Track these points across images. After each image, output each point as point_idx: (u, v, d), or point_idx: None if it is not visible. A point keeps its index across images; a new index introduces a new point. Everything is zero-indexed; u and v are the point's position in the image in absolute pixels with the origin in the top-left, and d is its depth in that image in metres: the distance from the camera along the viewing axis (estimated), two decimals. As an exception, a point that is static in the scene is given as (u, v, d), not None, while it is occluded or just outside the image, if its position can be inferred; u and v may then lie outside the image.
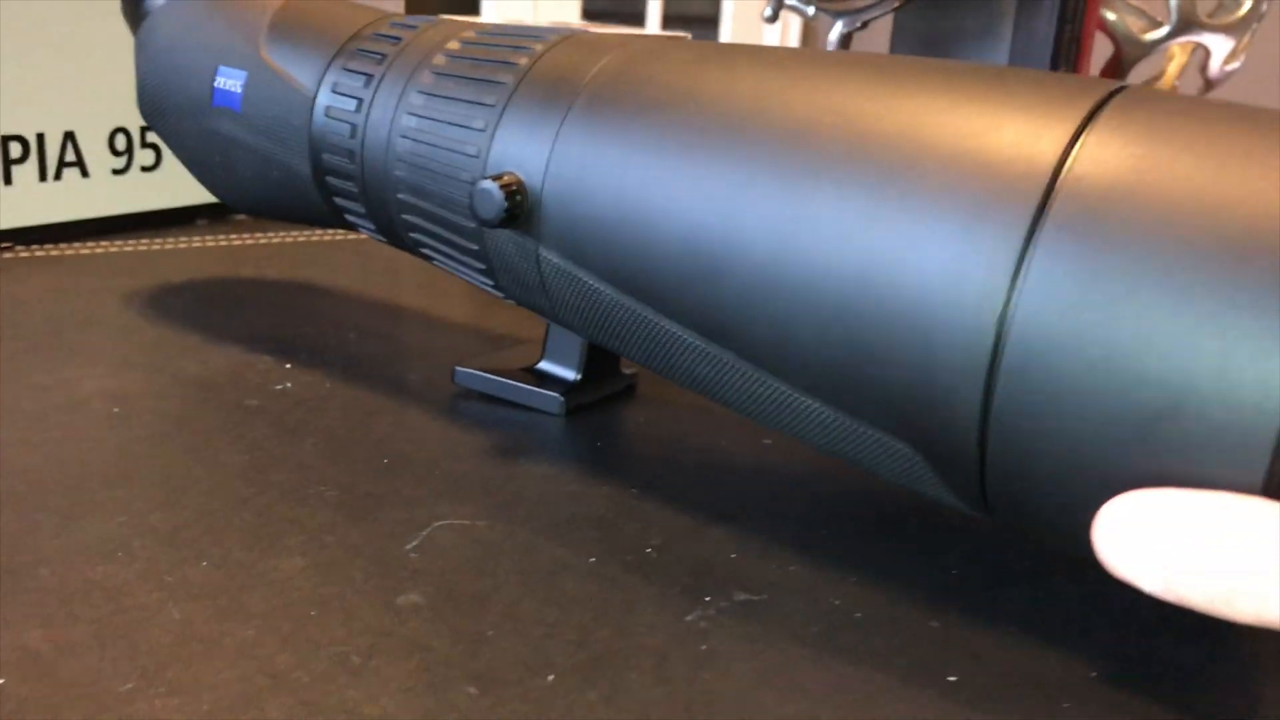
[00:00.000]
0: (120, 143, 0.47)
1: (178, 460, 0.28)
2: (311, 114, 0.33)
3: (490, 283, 0.31)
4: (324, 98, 0.33)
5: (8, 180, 0.44)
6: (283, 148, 0.34)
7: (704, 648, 0.22)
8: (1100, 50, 0.78)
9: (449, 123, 0.30)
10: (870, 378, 0.24)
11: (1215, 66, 0.81)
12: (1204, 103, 0.23)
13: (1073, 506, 0.22)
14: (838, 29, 0.74)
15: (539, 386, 0.33)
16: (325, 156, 0.33)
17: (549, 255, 0.29)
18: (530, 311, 0.32)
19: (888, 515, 0.28)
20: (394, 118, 0.31)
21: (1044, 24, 0.73)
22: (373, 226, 0.34)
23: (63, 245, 0.46)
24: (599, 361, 0.33)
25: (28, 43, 0.43)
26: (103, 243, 0.46)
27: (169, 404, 0.31)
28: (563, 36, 0.31)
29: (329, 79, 0.33)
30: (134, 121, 0.48)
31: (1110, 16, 0.80)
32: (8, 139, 0.44)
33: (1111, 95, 0.23)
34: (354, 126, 0.32)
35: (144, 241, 0.47)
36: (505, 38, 0.31)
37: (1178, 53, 0.81)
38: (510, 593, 0.23)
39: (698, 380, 0.28)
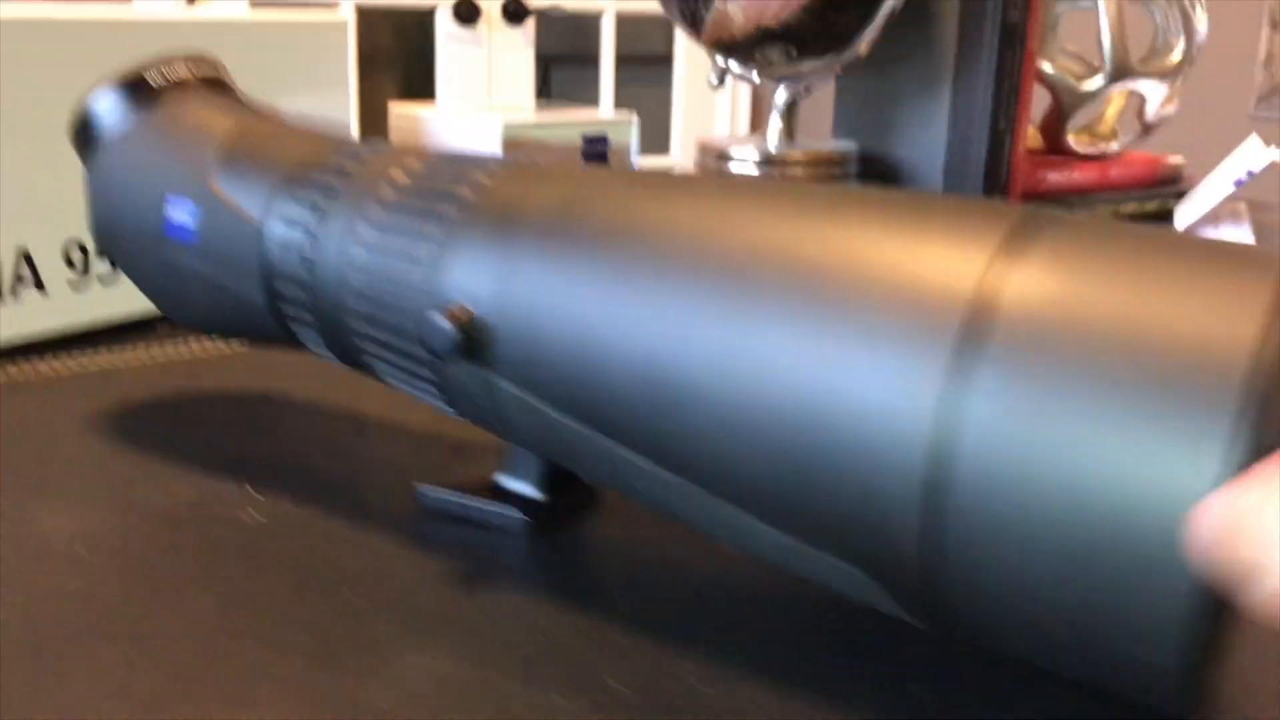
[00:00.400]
0: (76, 255, 0.48)
1: (147, 607, 0.28)
2: (261, 244, 0.34)
3: (448, 407, 0.32)
4: (273, 228, 0.33)
5: (-37, 303, 0.44)
6: (235, 277, 0.34)
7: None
8: (1038, 100, 0.79)
9: (397, 255, 0.31)
10: (816, 506, 0.24)
11: (1151, 112, 0.83)
12: (1111, 225, 0.24)
13: (1016, 623, 0.23)
14: (782, 94, 0.76)
15: (501, 502, 0.33)
16: (277, 284, 0.34)
17: (503, 384, 0.29)
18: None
19: (861, 631, 0.28)
20: (344, 249, 0.32)
21: (982, 81, 0.74)
22: (328, 352, 0.34)
23: (23, 364, 0.46)
24: (561, 473, 0.34)
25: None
26: (61, 360, 0.47)
27: (134, 543, 0.31)
28: (504, 167, 0.31)
29: (276, 209, 0.34)
30: (87, 234, 0.48)
31: (1048, 68, 0.82)
32: (-39, 263, 0.44)
33: (1024, 222, 0.24)
34: (305, 258, 0.33)
35: (103, 354, 0.47)
36: (447, 168, 0.32)
37: (1115, 98, 0.83)
38: (479, 741, 0.23)
39: (656, 502, 0.28)
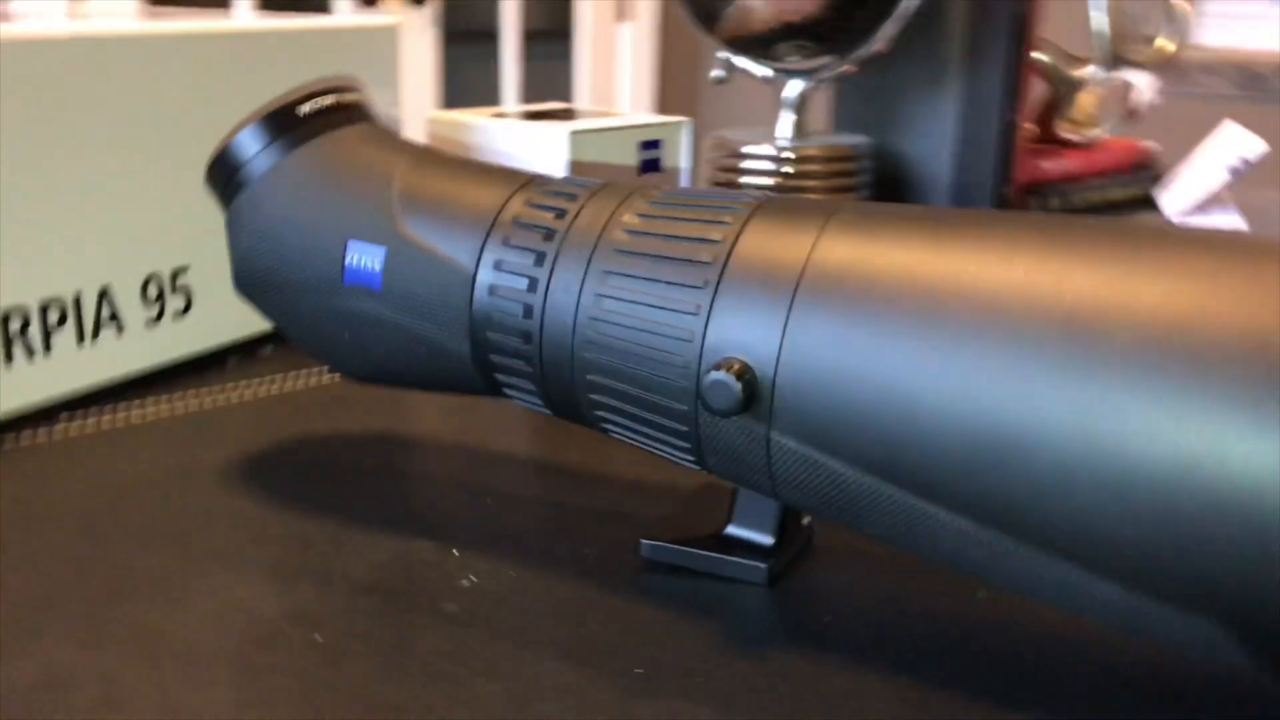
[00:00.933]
0: (153, 291, 0.44)
1: (413, 694, 0.26)
2: (472, 292, 0.31)
3: (694, 461, 0.30)
4: (486, 275, 0.31)
5: (47, 348, 0.41)
6: (435, 325, 0.32)
7: None
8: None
9: (652, 305, 0.29)
10: (1188, 564, 0.24)
11: (1137, 100, 0.85)
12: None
13: None
14: (795, 89, 0.75)
15: (733, 554, 0.32)
16: (491, 335, 0.31)
17: (783, 440, 0.28)
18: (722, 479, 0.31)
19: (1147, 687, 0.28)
20: (579, 299, 0.30)
21: (995, 72, 0.75)
22: (540, 402, 0.32)
23: (110, 411, 0.42)
24: (787, 521, 0.33)
25: (43, 200, 0.40)
26: (149, 403, 0.43)
27: (362, 620, 0.29)
28: (753, 205, 0.30)
29: (489, 256, 0.31)
30: (165, 265, 0.45)
31: (1043, 59, 0.83)
32: (45, 305, 0.40)
33: None
34: (528, 306, 0.31)
35: (193, 395, 0.44)
36: (690, 209, 0.30)
37: (1094, 88, 0.85)
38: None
39: (959, 560, 0.27)
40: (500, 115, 0.56)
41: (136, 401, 0.43)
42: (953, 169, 0.78)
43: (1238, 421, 0.23)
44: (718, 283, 0.29)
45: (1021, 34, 0.74)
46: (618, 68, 2.57)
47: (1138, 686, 0.28)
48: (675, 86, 2.71)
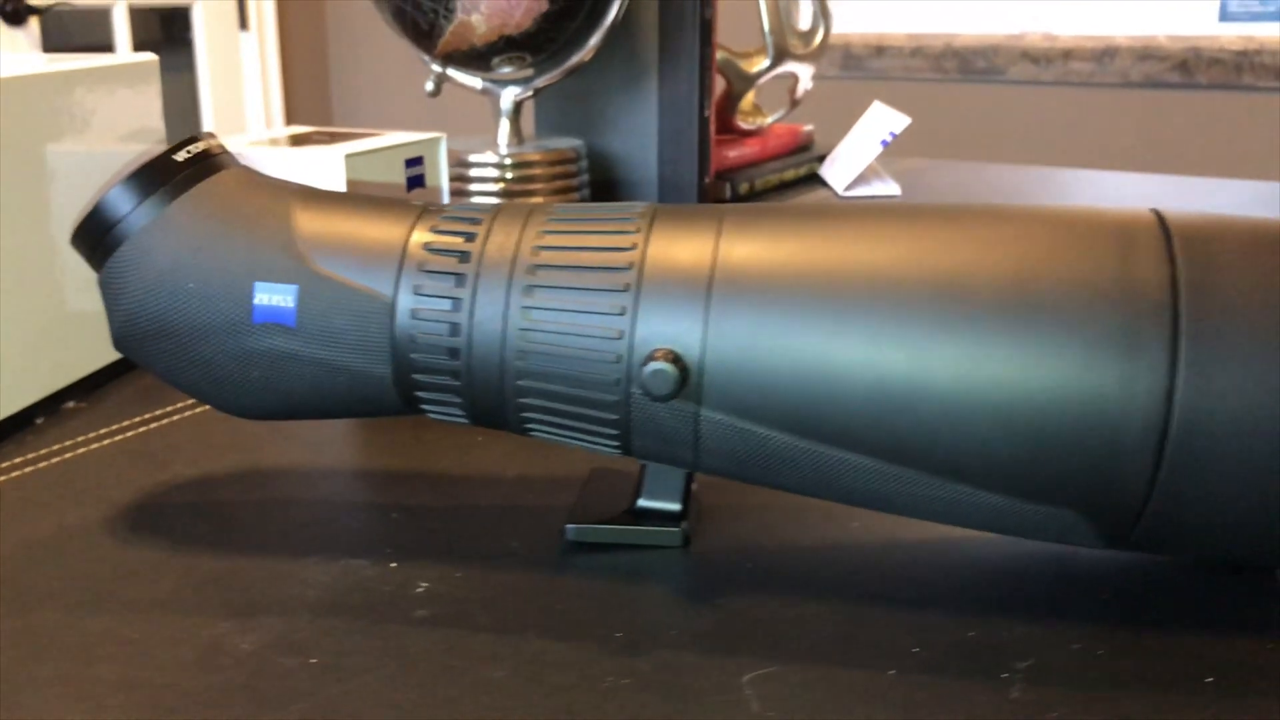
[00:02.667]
0: (-40, 357, 0.42)
1: (430, 692, 0.28)
2: (393, 318, 0.34)
3: (617, 447, 0.34)
4: (406, 301, 0.33)
5: None
6: (354, 354, 0.34)
7: None
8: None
9: (579, 311, 0.33)
10: (1056, 470, 0.31)
11: (801, 89, 0.96)
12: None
13: (1224, 530, 0.30)
14: (510, 98, 0.79)
15: (648, 523, 0.36)
16: (415, 356, 0.34)
17: (711, 414, 0.32)
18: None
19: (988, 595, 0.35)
20: (506, 312, 0.33)
21: (687, 73, 0.82)
22: (462, 414, 0.35)
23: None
24: (689, 489, 0.37)
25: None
26: (-20, 473, 0.41)
27: (343, 639, 0.31)
28: (646, 214, 0.34)
29: (407, 282, 0.34)
30: (-31, 330, 0.42)
31: (719, 56, 0.92)
32: None
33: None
34: (454, 325, 0.33)
35: (19, 458, 0.42)
36: (590, 223, 0.34)
37: (764, 81, 0.94)
38: None
39: (863, 495, 0.33)
40: (265, 144, 0.56)
41: (-37, 473, 0.41)
42: (658, 164, 0.84)
43: (1085, 352, 0.30)
44: (638, 285, 0.32)
45: (707, 37, 0.82)
46: (245, 81, 2.48)
47: (1001, 568, 0.34)
48: (302, 95, 2.65)
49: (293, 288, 0.34)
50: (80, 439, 0.44)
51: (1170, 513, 0.30)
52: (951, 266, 0.31)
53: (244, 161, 0.56)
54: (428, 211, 0.35)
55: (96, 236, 0.35)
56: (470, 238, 0.34)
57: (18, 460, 0.42)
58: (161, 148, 0.35)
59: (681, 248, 0.33)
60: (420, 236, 0.34)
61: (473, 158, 0.78)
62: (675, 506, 0.36)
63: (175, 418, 0.46)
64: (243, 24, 2.49)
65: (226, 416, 0.46)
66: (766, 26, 0.90)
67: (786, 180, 0.98)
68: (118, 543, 0.36)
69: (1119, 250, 0.31)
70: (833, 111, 1.54)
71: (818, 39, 0.93)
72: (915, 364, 0.31)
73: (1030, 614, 0.32)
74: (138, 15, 2.40)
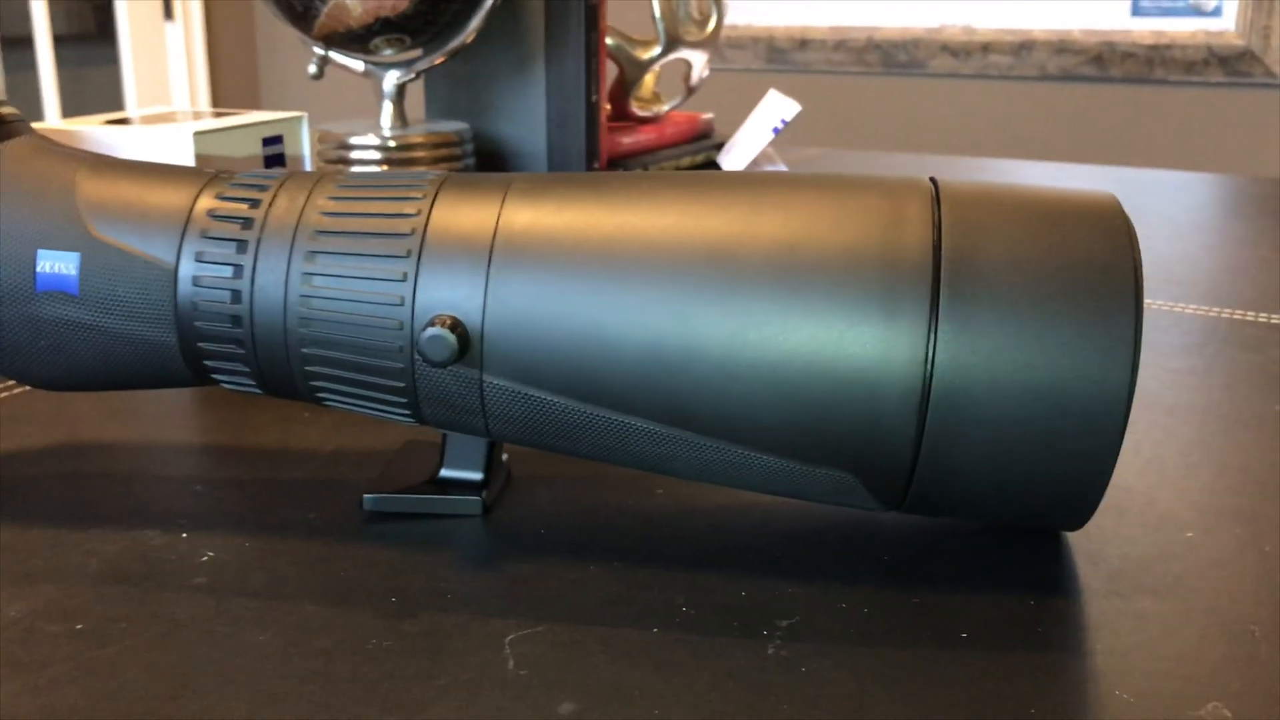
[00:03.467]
0: None
1: (190, 655, 0.28)
2: (175, 285, 0.33)
3: (409, 415, 0.34)
4: (188, 268, 0.33)
5: None
6: (139, 322, 0.34)
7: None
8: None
9: (361, 277, 0.33)
10: (825, 431, 0.31)
11: (695, 76, 0.96)
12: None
13: (992, 491, 0.31)
14: (391, 81, 0.79)
15: (449, 492, 0.36)
16: (199, 324, 0.33)
17: (495, 380, 0.33)
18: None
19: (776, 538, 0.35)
20: (287, 279, 0.33)
21: (573, 59, 0.82)
22: (253, 383, 0.35)
23: None
24: (493, 459, 0.37)
25: None
26: None
27: (114, 605, 0.31)
28: (436, 181, 0.34)
29: (189, 248, 0.33)
30: None
31: (610, 42, 0.92)
32: None
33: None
34: (236, 292, 0.33)
35: None
36: (378, 189, 0.34)
37: (657, 68, 0.95)
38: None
39: (649, 459, 0.33)
40: (114, 122, 0.55)
41: None
42: (547, 149, 0.84)
43: (848, 316, 0.30)
44: (420, 251, 0.32)
45: (594, 22, 0.82)
46: (170, 69, 2.45)
47: (789, 533, 0.35)
48: (229, 84, 2.62)
49: (75, 255, 0.33)
50: (-103, 416, 0.43)
51: (938, 475, 0.31)
52: (724, 232, 0.32)
53: (92, 141, 0.55)
54: (217, 179, 0.35)
55: (-125, 203, 0.34)
56: (255, 204, 0.34)
57: None
58: (-56, 114, 0.34)
59: (465, 214, 0.33)
60: (205, 203, 0.34)
61: (354, 140, 0.77)
62: (476, 475, 0.37)
63: (2, 394, 0.46)
64: (168, 14, 2.46)
65: (54, 394, 0.46)
66: (658, 12, 0.90)
67: (683, 167, 0.98)
68: (-93, 515, 0.36)
69: (887, 216, 0.31)
70: (753, 103, 1.54)
71: (710, 25, 0.94)
72: (687, 327, 0.31)
73: (806, 576, 0.32)
74: (73, 7, 2.37)
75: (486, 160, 0.86)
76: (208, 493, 0.37)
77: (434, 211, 0.33)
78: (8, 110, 0.36)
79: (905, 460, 0.31)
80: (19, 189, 0.34)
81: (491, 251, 0.32)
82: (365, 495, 0.36)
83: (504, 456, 0.38)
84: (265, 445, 0.41)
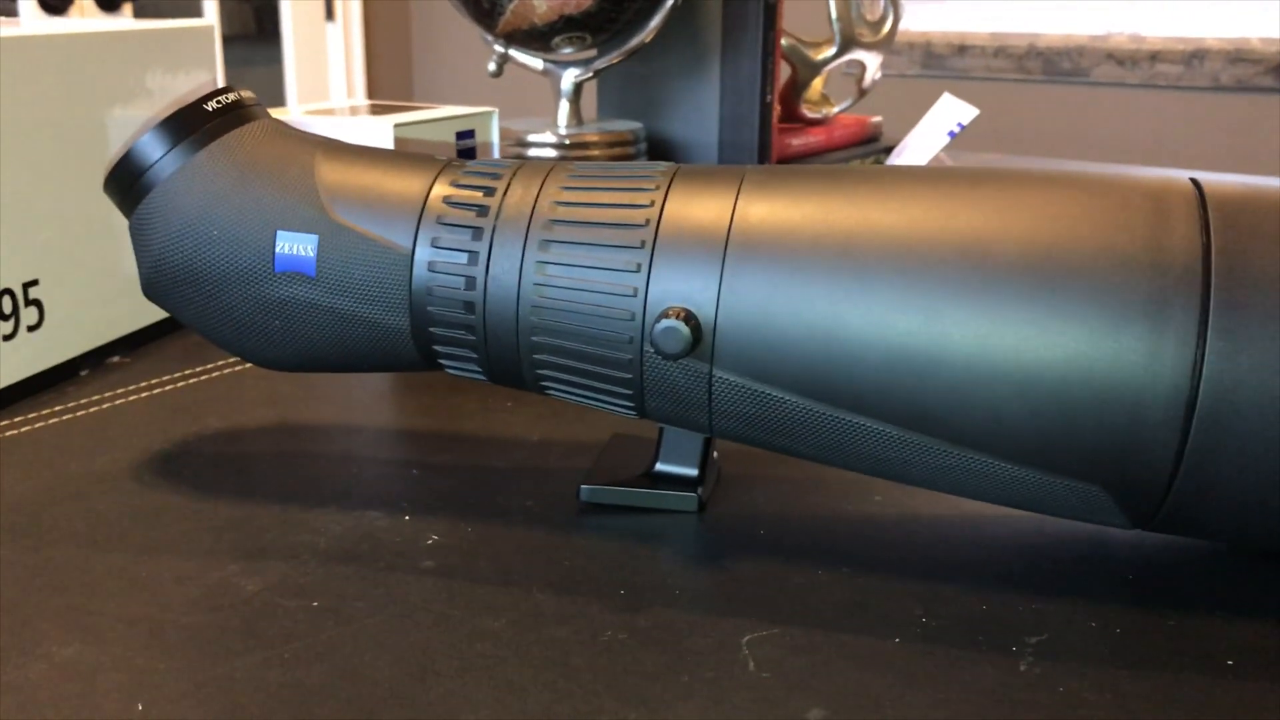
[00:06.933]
0: (7, 306, 0.43)
1: (424, 638, 0.28)
2: (411, 270, 0.34)
3: (631, 407, 0.34)
4: (424, 253, 0.33)
5: (-93, 371, 0.39)
6: (373, 305, 0.34)
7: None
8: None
9: (594, 266, 0.32)
10: (1078, 441, 0.29)
11: (868, 78, 0.94)
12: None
13: (1255, 511, 0.29)
14: (569, 80, 0.79)
15: (664, 487, 0.35)
16: (432, 309, 0.34)
17: (725, 375, 0.32)
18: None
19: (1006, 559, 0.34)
20: (521, 267, 0.33)
21: (749, 59, 0.81)
22: (479, 369, 0.35)
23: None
24: (707, 456, 0.36)
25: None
26: (19, 417, 0.42)
27: (348, 584, 0.31)
28: (668, 173, 0.33)
29: (425, 234, 0.33)
30: (17, 279, 0.43)
31: (784, 43, 0.91)
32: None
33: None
34: (470, 278, 0.33)
35: (60, 406, 0.43)
36: (611, 180, 0.33)
37: (830, 70, 0.93)
38: None
39: (877, 462, 0.32)
40: (320, 113, 0.56)
41: (4, 419, 0.42)
42: (718, 150, 0.84)
43: (1112, 321, 0.29)
44: (654, 242, 0.32)
45: (772, 21, 0.81)
46: (330, 67, 2.53)
47: (1020, 547, 0.33)
48: (384, 82, 2.68)
49: (313, 237, 0.34)
50: (120, 391, 0.45)
51: (1198, 491, 0.29)
52: (974, 229, 0.30)
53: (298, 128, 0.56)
54: (451, 166, 0.35)
55: (127, 183, 0.35)
56: (490, 192, 0.34)
57: (58, 408, 0.43)
58: (192, 97, 0.35)
59: (700, 206, 0.32)
60: (441, 190, 0.34)
61: (531, 137, 0.78)
62: (692, 471, 0.36)
63: (214, 375, 0.47)
64: (329, 15, 2.53)
65: (263, 374, 0.47)
66: (834, 13, 0.89)
67: (851, 171, 0.96)
68: (141, 487, 0.37)
69: (1151, 217, 0.30)
70: (911, 108, 1.51)
71: (886, 27, 0.92)
72: (933, 329, 0.30)
73: (1047, 591, 0.31)
74: (233, 9, 2.46)
75: (657, 159, 0.85)
76: (425, 476, 0.38)
77: (668, 202, 0.33)
78: (246, 95, 0.37)
79: (1163, 476, 0.29)
80: (259, 171, 0.35)
81: (727, 244, 0.32)
82: (582, 486, 0.36)
83: (714, 454, 0.38)
84: (474, 431, 0.41)
